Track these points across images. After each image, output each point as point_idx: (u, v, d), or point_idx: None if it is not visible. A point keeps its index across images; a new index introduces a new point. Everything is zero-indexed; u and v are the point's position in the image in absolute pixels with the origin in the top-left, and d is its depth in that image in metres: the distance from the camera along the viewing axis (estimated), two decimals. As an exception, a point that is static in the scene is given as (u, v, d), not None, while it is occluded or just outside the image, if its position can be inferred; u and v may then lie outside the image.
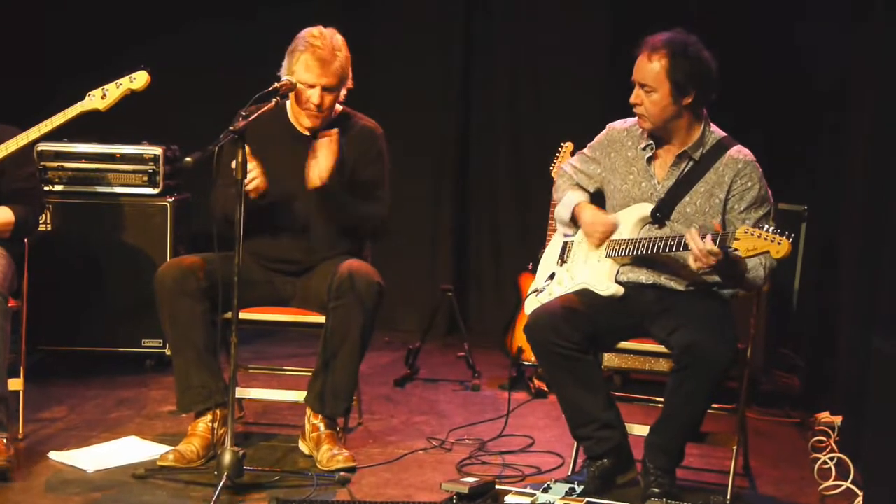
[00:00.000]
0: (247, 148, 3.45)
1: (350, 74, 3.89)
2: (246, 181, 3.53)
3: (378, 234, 4.02)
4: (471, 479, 3.47)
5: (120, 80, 3.69)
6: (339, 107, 3.95)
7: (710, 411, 3.51)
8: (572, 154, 4.78)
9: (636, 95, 3.52)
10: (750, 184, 3.50)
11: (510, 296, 5.27)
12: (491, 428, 4.27)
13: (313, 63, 3.76)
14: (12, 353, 3.97)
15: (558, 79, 5.95)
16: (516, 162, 6.11)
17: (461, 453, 3.97)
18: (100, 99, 3.68)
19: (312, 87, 3.78)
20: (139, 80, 3.70)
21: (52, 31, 5.88)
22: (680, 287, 3.56)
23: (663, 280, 3.57)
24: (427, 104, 6.12)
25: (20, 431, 3.95)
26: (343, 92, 3.90)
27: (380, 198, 3.94)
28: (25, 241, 4.00)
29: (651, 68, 3.47)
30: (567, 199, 3.75)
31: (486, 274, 6.20)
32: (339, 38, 3.85)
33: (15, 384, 3.92)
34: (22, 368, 3.98)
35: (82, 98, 3.71)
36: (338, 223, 3.87)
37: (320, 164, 3.71)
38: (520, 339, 4.79)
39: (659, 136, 3.59)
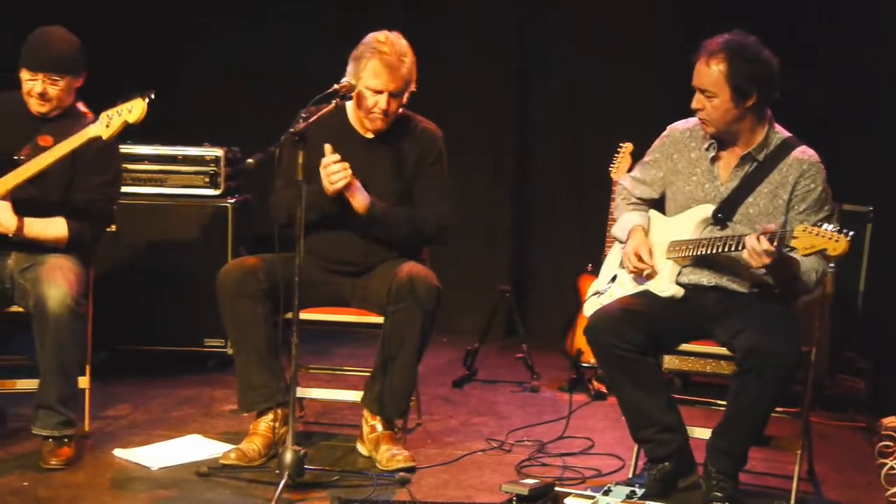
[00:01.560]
0: (328, 147, 3.42)
1: (414, 78, 3.90)
2: (333, 177, 3.53)
3: (435, 240, 4.01)
4: (530, 481, 3.46)
5: (120, 109, 3.63)
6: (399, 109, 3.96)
7: (773, 415, 3.47)
8: (631, 154, 4.78)
9: (697, 101, 3.49)
10: (813, 185, 3.46)
11: (568, 297, 5.24)
12: (550, 430, 4.25)
13: (381, 69, 3.77)
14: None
15: (617, 78, 5.90)
16: (575, 162, 6.08)
17: (520, 455, 3.96)
18: (104, 127, 3.64)
19: (380, 92, 3.79)
20: (135, 111, 3.61)
21: (110, 32, 5.98)
22: (742, 289, 3.52)
23: (725, 281, 3.53)
24: (485, 105, 6.12)
25: (86, 428, 4.02)
26: (407, 94, 3.91)
27: (435, 204, 3.94)
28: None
29: (710, 73, 3.44)
30: (624, 222, 3.72)
31: (545, 275, 6.18)
32: (404, 43, 3.86)
33: (81, 382, 3.99)
34: (88, 367, 4.04)
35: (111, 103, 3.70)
36: (386, 240, 3.88)
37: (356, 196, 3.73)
38: (579, 340, 4.77)
39: (722, 139, 3.55)
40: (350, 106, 3.92)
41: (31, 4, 5.33)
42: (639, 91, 5.82)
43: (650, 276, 3.58)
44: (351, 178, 3.73)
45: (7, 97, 3.92)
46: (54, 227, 3.80)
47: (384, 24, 3.94)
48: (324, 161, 3.73)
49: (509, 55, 6.12)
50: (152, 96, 3.61)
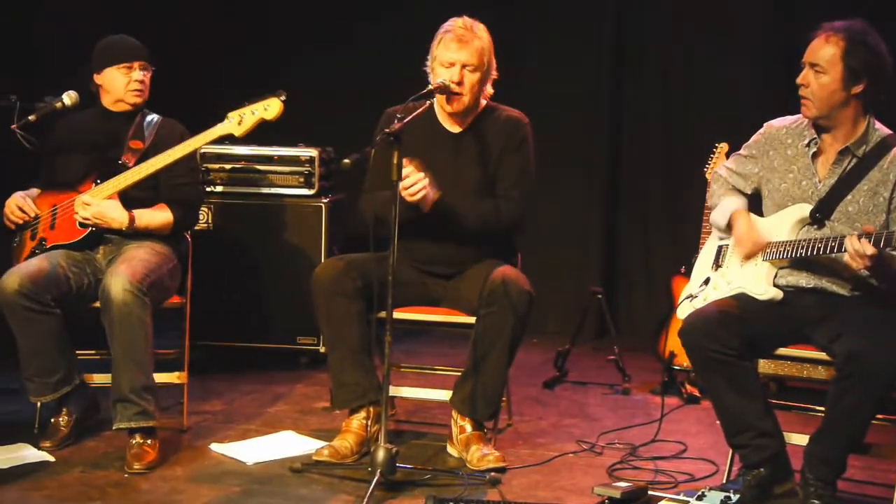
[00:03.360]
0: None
1: (493, 64, 3.90)
2: (412, 189, 3.60)
3: (511, 231, 3.98)
4: (623, 484, 3.44)
5: (255, 107, 3.77)
6: (483, 102, 3.97)
7: (874, 422, 3.37)
8: (727, 155, 4.70)
9: (804, 76, 3.42)
10: None
11: (661, 299, 5.19)
12: (642, 433, 4.21)
13: (452, 42, 3.81)
14: (177, 349, 4.15)
15: (712, 78, 5.83)
16: (668, 163, 6.02)
17: (612, 457, 3.93)
18: (236, 125, 3.78)
19: (452, 64, 3.80)
20: (272, 109, 3.76)
21: (206, 33, 6.11)
22: (843, 291, 3.44)
23: (825, 283, 3.45)
24: (577, 104, 6.10)
25: (184, 422, 4.11)
26: (487, 84, 3.90)
27: (510, 193, 3.92)
28: (189, 239, 4.17)
29: (826, 49, 3.37)
30: (724, 206, 3.66)
31: (637, 276, 6.13)
32: (480, 25, 3.88)
33: (179, 377, 4.09)
34: (185, 362, 4.14)
35: (236, 103, 3.82)
36: (460, 233, 3.88)
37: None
38: (672, 343, 4.71)
39: (822, 127, 3.47)
40: (437, 104, 3.93)
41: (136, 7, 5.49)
42: (735, 91, 5.73)
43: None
44: (429, 188, 3.73)
45: (81, 116, 4.11)
46: (161, 215, 3.99)
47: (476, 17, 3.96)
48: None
49: (603, 54, 6.07)
50: (284, 97, 3.72)
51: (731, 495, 3.38)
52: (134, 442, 3.70)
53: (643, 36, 6.04)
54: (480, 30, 3.87)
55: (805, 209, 3.47)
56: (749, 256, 3.55)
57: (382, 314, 3.57)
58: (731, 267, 3.64)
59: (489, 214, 3.88)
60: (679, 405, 4.69)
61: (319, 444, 3.86)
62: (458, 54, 3.80)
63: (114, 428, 3.74)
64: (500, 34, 3.97)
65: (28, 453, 3.75)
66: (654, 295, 5.78)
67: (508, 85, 4.08)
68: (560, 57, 6.07)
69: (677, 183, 5.93)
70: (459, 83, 3.81)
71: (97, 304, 3.87)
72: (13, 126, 3.91)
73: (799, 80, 3.44)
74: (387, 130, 3.50)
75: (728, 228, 3.64)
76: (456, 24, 3.85)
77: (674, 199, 5.98)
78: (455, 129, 3.96)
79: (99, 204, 3.88)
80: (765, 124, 3.67)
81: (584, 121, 6.12)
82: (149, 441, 3.72)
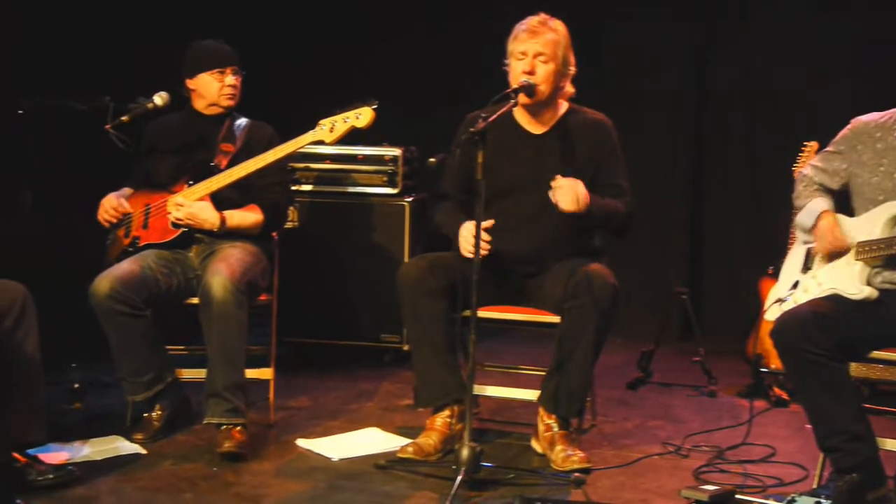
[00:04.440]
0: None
1: (571, 60, 3.88)
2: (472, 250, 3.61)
3: (624, 231, 3.97)
4: (710, 487, 3.38)
5: (347, 115, 3.81)
6: (565, 104, 3.95)
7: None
8: (816, 154, 4.61)
9: None
10: None
11: (747, 299, 5.10)
12: (728, 435, 4.15)
13: (523, 34, 3.81)
14: (263, 345, 4.21)
15: (801, 75, 5.71)
16: (754, 161, 5.92)
17: (698, 460, 3.88)
18: (328, 132, 3.84)
19: (524, 54, 3.80)
20: (364, 117, 3.80)
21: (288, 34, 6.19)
22: (942, 290, 3.35)
23: (922, 283, 3.37)
24: (661, 104, 6.03)
25: (271, 418, 4.18)
26: (566, 81, 3.88)
27: (621, 195, 3.91)
28: (276, 237, 4.23)
29: None
30: (811, 207, 3.59)
31: (723, 277, 6.03)
32: (556, 21, 3.87)
33: (266, 374, 4.15)
34: (272, 359, 4.20)
35: (326, 110, 3.88)
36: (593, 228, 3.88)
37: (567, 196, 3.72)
38: (760, 345, 4.64)
39: None
40: (518, 106, 3.91)
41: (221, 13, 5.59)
42: (824, 88, 5.61)
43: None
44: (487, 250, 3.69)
45: (171, 118, 4.20)
46: (251, 216, 4.06)
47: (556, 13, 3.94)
48: (463, 230, 3.78)
49: (687, 53, 6.00)
50: (376, 105, 3.77)
51: (823, 500, 3.30)
52: (223, 428, 3.79)
53: (730, 30, 5.95)
54: (555, 23, 3.86)
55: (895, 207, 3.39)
56: (829, 255, 3.47)
57: (467, 313, 3.58)
58: (822, 268, 3.57)
59: (616, 212, 3.86)
60: (767, 408, 4.60)
61: (404, 441, 3.89)
62: (528, 44, 3.79)
63: (204, 422, 3.81)
64: (581, 29, 3.95)
65: (122, 446, 3.85)
66: (740, 295, 5.68)
67: (591, 84, 4.05)
68: (643, 52, 6.00)
69: (765, 182, 5.83)
70: (531, 72, 3.79)
71: (188, 302, 3.95)
72: (107, 126, 4.00)
73: None
74: (471, 129, 3.51)
75: (814, 230, 3.57)
76: (530, 19, 3.86)
77: (760, 199, 5.87)
78: (537, 130, 3.95)
79: (191, 205, 3.96)
80: (852, 120, 3.60)
81: (667, 119, 6.05)
82: (238, 427, 3.80)
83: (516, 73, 3.82)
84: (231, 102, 4.15)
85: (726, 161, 6.03)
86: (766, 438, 4.12)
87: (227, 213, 4.00)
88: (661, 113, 6.04)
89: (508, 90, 3.73)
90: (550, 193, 3.73)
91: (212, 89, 4.12)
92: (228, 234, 4.02)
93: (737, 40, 5.96)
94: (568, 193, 3.70)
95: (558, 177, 3.73)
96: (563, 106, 3.96)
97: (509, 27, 3.91)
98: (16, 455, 3.39)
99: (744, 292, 5.33)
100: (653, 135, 5.98)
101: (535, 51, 3.79)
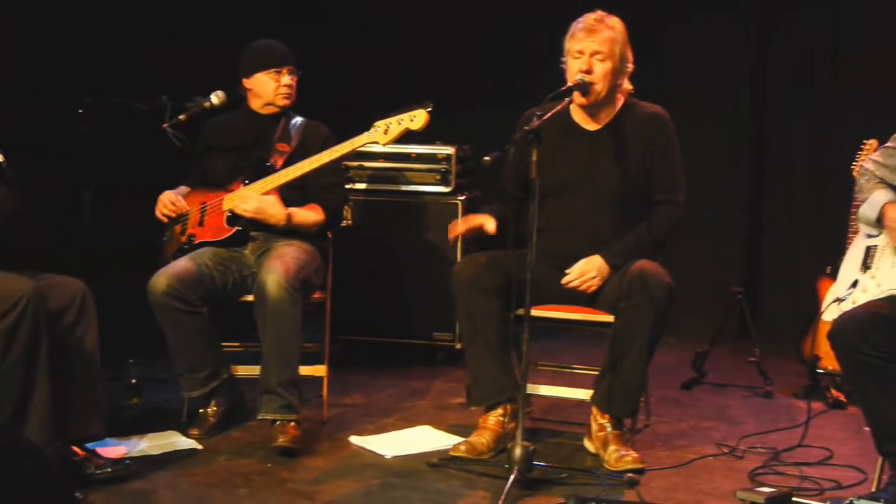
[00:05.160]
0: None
1: (629, 57, 3.86)
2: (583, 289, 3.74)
3: (665, 242, 3.95)
4: (767, 489, 3.35)
5: (401, 117, 3.83)
6: (620, 98, 3.92)
7: None
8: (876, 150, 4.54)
9: None
10: None
11: (805, 299, 5.03)
12: (784, 437, 4.09)
13: (580, 32, 3.80)
14: (317, 342, 4.24)
15: (862, 72, 5.62)
16: (814, 159, 5.84)
17: (753, 462, 3.84)
18: (382, 133, 3.86)
19: (581, 53, 3.78)
20: (418, 120, 3.81)
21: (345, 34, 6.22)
22: None
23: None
24: (719, 101, 5.98)
25: (324, 414, 4.21)
26: (623, 78, 3.86)
27: (678, 202, 3.89)
28: (330, 236, 4.26)
29: None
30: (874, 199, 3.54)
31: (780, 276, 5.96)
32: (613, 18, 3.84)
33: (320, 371, 4.18)
34: (326, 356, 4.22)
35: (383, 111, 3.90)
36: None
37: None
38: (818, 346, 4.57)
39: None
40: (573, 102, 3.90)
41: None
42: (886, 86, 5.51)
43: None
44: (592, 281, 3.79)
45: (227, 117, 4.25)
46: (313, 215, 4.11)
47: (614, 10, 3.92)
48: (564, 280, 3.82)
49: (747, 51, 5.94)
50: (431, 108, 3.79)
51: (881, 504, 3.26)
52: (278, 423, 3.82)
53: (791, 27, 5.87)
54: (612, 20, 3.83)
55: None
56: None
57: (521, 312, 3.57)
58: (882, 268, 3.51)
59: (653, 237, 3.87)
60: (824, 410, 4.54)
61: (456, 439, 3.89)
62: (585, 43, 3.77)
63: (259, 417, 3.85)
64: (640, 25, 3.92)
65: (178, 441, 3.90)
66: (797, 295, 5.61)
67: (649, 79, 4.02)
68: (701, 52, 5.95)
69: (823, 180, 5.75)
70: (588, 71, 3.77)
71: (243, 300, 3.99)
72: (164, 125, 4.06)
73: None
74: (526, 128, 3.51)
75: (878, 222, 3.51)
76: (587, 16, 3.84)
77: (819, 198, 5.79)
78: (592, 126, 3.93)
79: (261, 199, 3.99)
80: None
81: (727, 114, 5.99)
82: (292, 423, 3.83)
83: (573, 71, 3.80)
84: (287, 102, 4.19)
85: (786, 159, 5.96)
86: (824, 441, 4.06)
87: (293, 211, 4.04)
88: (720, 111, 5.98)
89: (563, 88, 3.73)
90: (567, 284, 3.80)
91: (268, 89, 4.15)
92: (284, 231, 4.06)
93: (796, 39, 5.88)
94: (586, 281, 3.77)
95: (568, 272, 3.79)
96: (620, 101, 3.93)
97: (567, 22, 3.89)
98: (75, 449, 3.45)
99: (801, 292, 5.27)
100: (712, 133, 5.92)
101: (592, 49, 3.78)
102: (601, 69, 3.79)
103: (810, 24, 5.82)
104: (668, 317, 3.74)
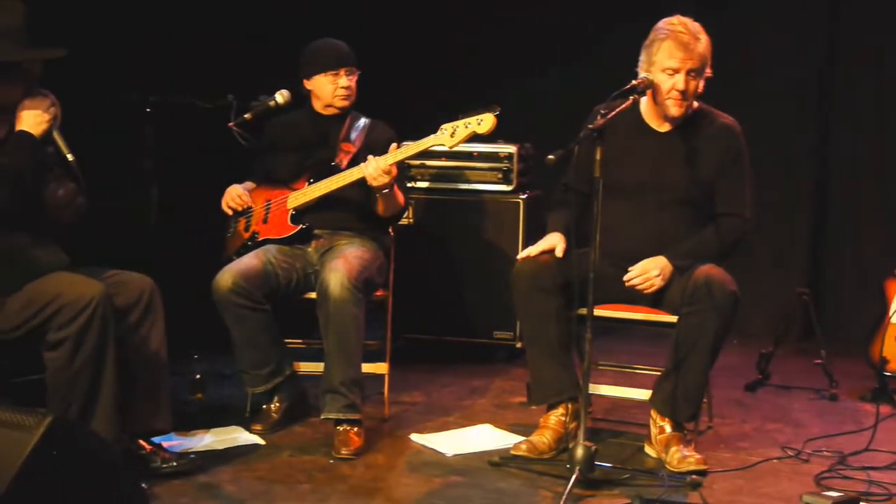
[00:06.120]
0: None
1: (710, 61, 3.80)
2: (643, 288, 3.70)
3: (732, 254, 3.89)
4: (834, 494, 3.30)
5: (468, 121, 3.83)
6: (695, 103, 3.88)
7: None
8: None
9: None
10: None
11: (872, 301, 4.94)
12: (851, 441, 4.02)
13: (676, 48, 3.69)
14: (379, 340, 4.26)
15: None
16: (882, 158, 5.73)
17: (819, 465, 3.78)
18: (449, 136, 3.86)
19: (677, 71, 3.71)
20: (485, 123, 3.81)
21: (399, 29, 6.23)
22: None
23: None
24: (784, 104, 5.89)
25: (385, 412, 4.23)
26: (702, 81, 3.81)
27: (745, 217, 3.84)
28: (392, 234, 4.27)
29: None
30: None
31: (846, 276, 5.86)
32: (697, 24, 3.77)
33: (381, 368, 4.20)
34: (387, 354, 4.24)
35: (449, 115, 3.91)
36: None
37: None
38: (886, 348, 4.49)
39: None
40: (644, 101, 3.87)
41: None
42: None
43: None
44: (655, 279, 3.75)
45: (292, 116, 4.27)
46: (400, 194, 4.11)
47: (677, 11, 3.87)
48: (626, 277, 3.78)
49: (813, 54, 5.86)
50: (498, 112, 3.79)
51: (952, 511, 3.20)
52: (341, 429, 3.82)
53: (856, 28, 5.77)
54: (700, 29, 3.75)
55: None
56: None
57: (582, 311, 3.55)
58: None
59: (718, 244, 3.82)
60: (891, 413, 4.44)
61: (517, 438, 3.89)
62: (684, 62, 3.69)
63: (322, 417, 3.87)
64: (707, 30, 3.87)
65: (241, 436, 3.94)
66: (864, 296, 5.50)
67: (714, 83, 3.97)
68: (767, 56, 5.87)
69: (891, 180, 5.64)
70: (685, 91, 3.71)
71: (306, 297, 4.02)
72: (230, 124, 4.10)
73: None
74: (589, 126, 3.49)
75: None
76: (675, 27, 3.72)
77: (887, 198, 5.69)
78: (662, 127, 3.89)
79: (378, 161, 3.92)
80: None
81: (793, 113, 5.90)
82: (355, 429, 3.83)
83: (666, 87, 3.73)
84: (345, 103, 4.19)
85: (853, 158, 5.86)
86: (892, 445, 3.98)
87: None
88: (786, 109, 5.90)
89: (627, 87, 3.68)
90: (628, 282, 3.75)
91: (326, 91, 4.17)
92: (347, 228, 4.08)
93: (863, 34, 5.78)
94: (648, 280, 3.72)
95: (630, 269, 3.74)
96: (694, 105, 3.87)
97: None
98: (141, 442, 3.51)
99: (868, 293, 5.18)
100: (778, 131, 5.84)
101: (688, 67, 3.70)
102: (694, 84, 3.74)
103: (878, 23, 5.71)
104: (732, 324, 3.69)
